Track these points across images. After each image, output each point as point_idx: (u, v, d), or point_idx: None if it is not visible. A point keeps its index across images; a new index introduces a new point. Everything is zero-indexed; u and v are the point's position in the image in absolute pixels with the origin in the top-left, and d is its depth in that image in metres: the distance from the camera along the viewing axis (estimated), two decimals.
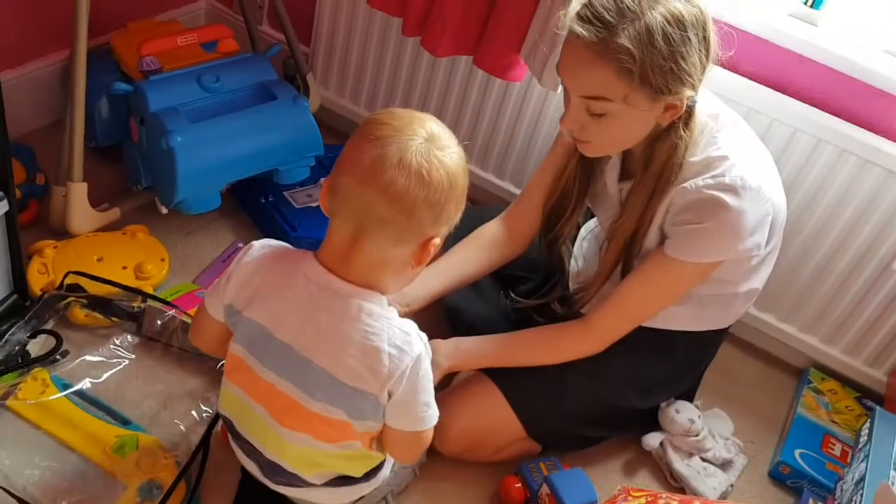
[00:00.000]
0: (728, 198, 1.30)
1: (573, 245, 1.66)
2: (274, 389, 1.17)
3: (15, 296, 1.56)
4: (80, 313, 1.58)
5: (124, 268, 1.68)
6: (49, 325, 1.56)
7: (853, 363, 1.82)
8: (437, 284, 1.52)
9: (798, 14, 1.65)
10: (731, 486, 1.63)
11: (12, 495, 1.28)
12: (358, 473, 1.27)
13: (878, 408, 1.65)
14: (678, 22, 1.20)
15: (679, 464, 1.60)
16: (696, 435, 1.60)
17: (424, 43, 1.84)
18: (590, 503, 1.44)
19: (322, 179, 1.28)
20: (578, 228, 1.66)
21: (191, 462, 1.36)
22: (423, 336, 1.17)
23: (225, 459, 1.38)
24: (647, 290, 1.42)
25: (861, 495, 1.43)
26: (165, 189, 1.72)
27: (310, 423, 1.17)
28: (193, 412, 1.48)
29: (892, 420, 1.61)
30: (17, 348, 1.49)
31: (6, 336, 1.48)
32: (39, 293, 1.59)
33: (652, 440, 1.61)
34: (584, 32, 1.21)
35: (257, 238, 1.22)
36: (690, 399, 1.67)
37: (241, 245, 1.82)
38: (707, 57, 1.26)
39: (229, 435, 1.31)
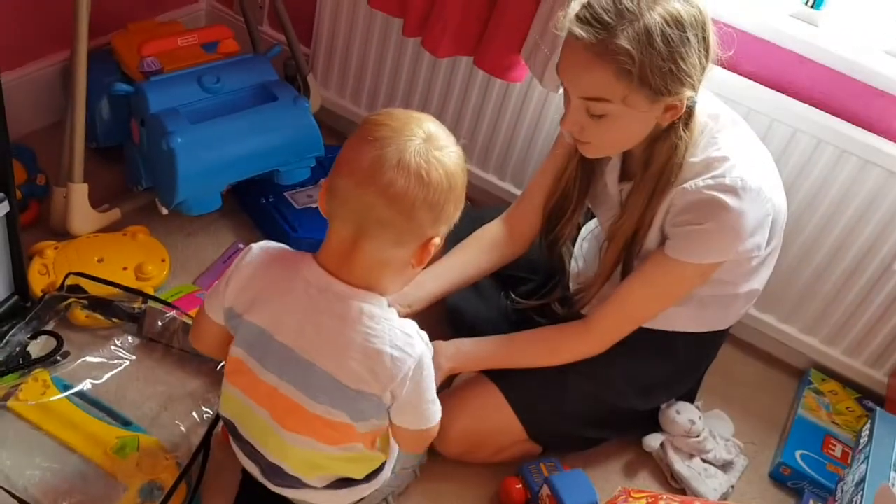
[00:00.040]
0: (728, 198, 1.30)
1: (573, 246, 1.66)
2: (276, 392, 1.17)
3: (16, 297, 1.56)
4: (80, 314, 1.59)
5: (125, 269, 1.68)
6: (50, 326, 1.56)
7: (854, 364, 1.82)
8: (438, 285, 1.52)
9: (799, 14, 1.65)
10: (732, 487, 1.63)
11: (13, 496, 1.28)
12: (359, 475, 1.27)
13: (878, 409, 1.65)
14: (677, 23, 1.20)
15: (680, 465, 1.60)
16: (697, 436, 1.60)
17: (425, 43, 1.84)
18: None
19: (323, 180, 1.29)
20: (579, 229, 1.66)
21: (191, 463, 1.36)
22: (424, 335, 1.17)
23: (226, 460, 1.38)
24: (648, 290, 1.42)
25: (861, 496, 1.43)
26: (166, 190, 1.72)
27: (312, 426, 1.17)
28: (194, 413, 1.48)
29: (892, 421, 1.61)
30: (17, 349, 1.49)
31: (7, 337, 1.49)
32: (40, 294, 1.59)
33: (652, 441, 1.61)
34: (584, 34, 1.21)
35: (258, 239, 1.22)
36: (691, 400, 1.66)
37: (241, 246, 1.82)
38: (706, 57, 1.26)
39: (230, 437, 1.31)
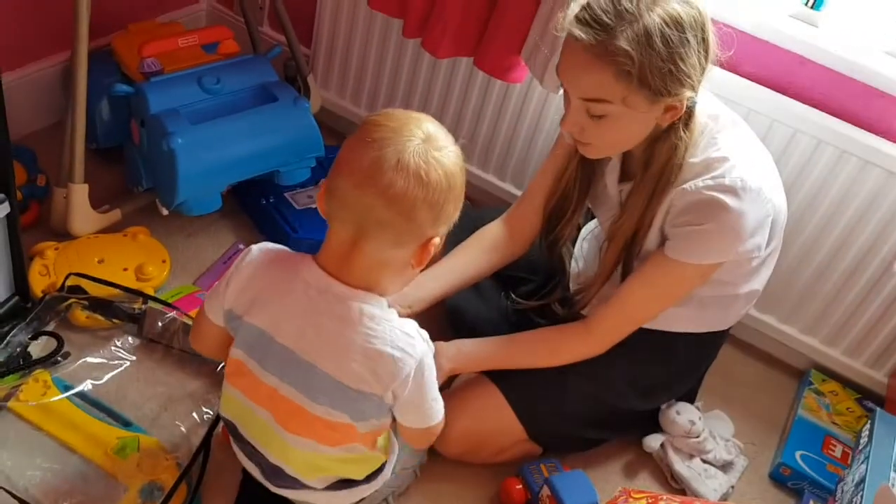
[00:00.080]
0: (728, 199, 1.30)
1: (573, 246, 1.66)
2: (276, 394, 1.17)
3: (16, 297, 1.56)
4: (81, 315, 1.59)
5: (125, 269, 1.68)
6: (50, 327, 1.56)
7: (854, 364, 1.82)
8: (439, 286, 1.52)
9: (799, 15, 1.65)
10: (732, 487, 1.63)
11: (14, 496, 1.28)
12: (360, 476, 1.27)
13: (878, 409, 1.65)
14: (676, 23, 1.20)
15: (680, 465, 1.60)
16: (697, 436, 1.60)
17: (425, 44, 1.84)
18: None
19: (323, 181, 1.29)
20: (579, 229, 1.66)
21: (192, 463, 1.36)
22: (424, 333, 1.17)
23: (226, 461, 1.38)
24: (648, 291, 1.42)
25: (861, 497, 1.43)
26: (166, 190, 1.73)
27: (313, 428, 1.17)
28: (194, 414, 1.48)
29: (892, 421, 1.61)
30: (18, 350, 1.49)
31: (7, 338, 1.49)
32: (41, 295, 1.59)
33: (653, 442, 1.61)
34: (583, 35, 1.21)
35: (258, 239, 1.22)
36: (691, 400, 1.67)
37: (241, 246, 1.82)
38: (706, 58, 1.26)
39: (231, 437, 1.31)
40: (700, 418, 1.62)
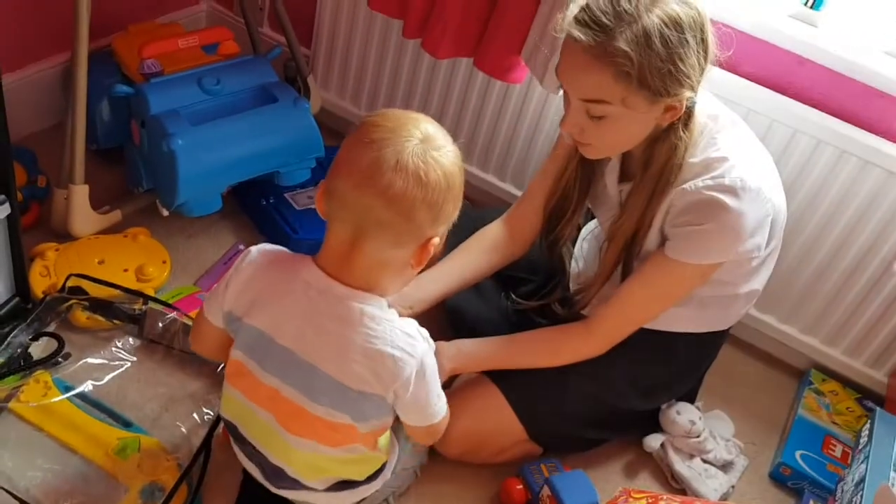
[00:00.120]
0: (728, 199, 1.30)
1: (573, 246, 1.66)
2: (278, 395, 1.17)
3: (17, 298, 1.57)
4: (81, 316, 1.59)
5: (125, 270, 1.68)
6: (51, 328, 1.56)
7: (854, 364, 1.82)
8: (440, 287, 1.52)
9: (798, 15, 1.65)
10: (732, 487, 1.63)
11: (15, 497, 1.28)
12: (361, 477, 1.28)
13: (878, 409, 1.65)
14: (675, 24, 1.20)
15: (680, 465, 1.60)
16: (697, 436, 1.61)
17: (425, 45, 1.84)
18: None
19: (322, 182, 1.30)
20: (579, 230, 1.66)
21: (192, 464, 1.36)
22: (424, 332, 1.18)
23: (227, 461, 1.38)
24: (648, 291, 1.42)
25: (861, 496, 1.43)
26: (166, 191, 1.73)
27: (314, 428, 1.18)
28: (195, 414, 1.48)
29: (892, 421, 1.61)
30: (19, 351, 1.49)
31: (8, 339, 1.49)
32: (41, 296, 1.59)
33: (653, 442, 1.61)
34: (582, 36, 1.21)
35: (259, 240, 1.22)
36: (691, 400, 1.67)
37: (242, 247, 1.82)
38: (705, 58, 1.26)
39: (231, 438, 1.31)
40: (700, 418, 1.62)
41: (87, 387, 1.48)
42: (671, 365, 1.57)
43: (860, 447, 1.61)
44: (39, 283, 1.61)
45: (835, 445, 1.71)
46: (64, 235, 1.73)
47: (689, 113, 1.30)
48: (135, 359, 1.56)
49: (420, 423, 1.23)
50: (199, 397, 1.53)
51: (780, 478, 1.68)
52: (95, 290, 1.60)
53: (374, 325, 1.12)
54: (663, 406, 1.62)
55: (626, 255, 1.44)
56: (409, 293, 1.45)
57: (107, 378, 1.51)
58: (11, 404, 1.42)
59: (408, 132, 1.07)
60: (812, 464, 1.67)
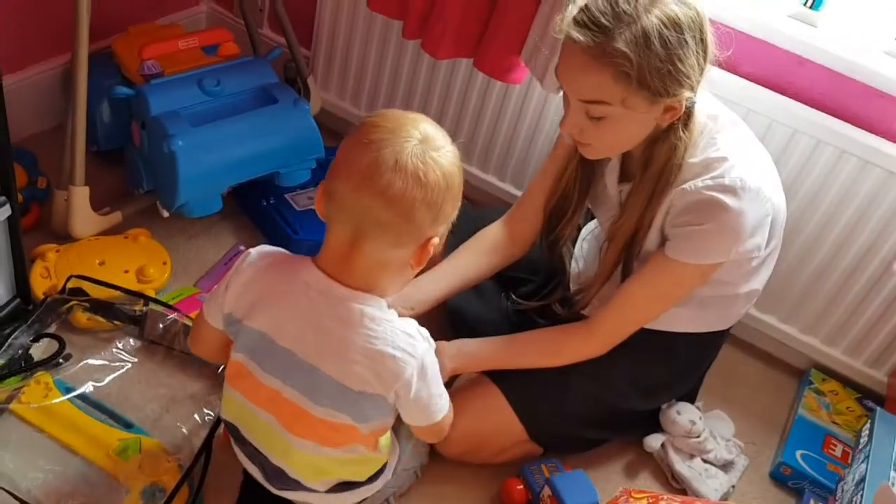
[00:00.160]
0: (728, 199, 1.30)
1: (574, 246, 1.66)
2: (279, 396, 1.17)
3: (18, 300, 1.57)
4: (82, 317, 1.59)
5: (126, 271, 1.68)
6: (52, 329, 1.56)
7: (854, 364, 1.82)
8: (441, 288, 1.52)
9: (797, 15, 1.65)
10: (733, 487, 1.63)
11: (16, 498, 1.29)
12: (362, 478, 1.28)
13: (878, 409, 1.65)
14: (674, 24, 1.20)
15: (680, 465, 1.60)
16: (698, 436, 1.61)
17: (425, 45, 1.84)
18: None
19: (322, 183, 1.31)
20: (579, 230, 1.66)
21: (193, 465, 1.36)
22: (424, 331, 1.18)
23: (227, 462, 1.38)
24: (649, 291, 1.42)
25: (861, 496, 1.43)
26: (167, 192, 1.73)
27: (315, 429, 1.18)
28: (196, 415, 1.48)
29: (892, 421, 1.61)
30: (20, 352, 1.49)
31: (9, 340, 1.49)
32: (42, 297, 1.59)
33: (653, 442, 1.61)
34: (581, 37, 1.21)
35: (259, 241, 1.22)
36: (692, 400, 1.67)
37: (242, 248, 1.82)
38: (704, 58, 1.26)
39: (232, 439, 1.31)
40: (700, 418, 1.62)
41: (87, 388, 1.48)
42: (671, 365, 1.57)
43: (860, 447, 1.62)
44: (40, 284, 1.62)
45: (835, 445, 1.71)
46: (64, 237, 1.73)
47: (688, 113, 1.30)
48: (135, 360, 1.56)
49: (422, 422, 1.23)
50: (199, 398, 1.53)
51: (781, 477, 1.68)
52: (96, 292, 1.60)
53: (375, 326, 1.12)
54: (664, 406, 1.62)
55: (626, 256, 1.44)
56: (410, 294, 1.45)
57: (108, 379, 1.51)
58: (12, 405, 1.42)
59: (407, 133, 1.07)
60: (812, 463, 1.67)
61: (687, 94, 1.26)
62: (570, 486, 1.43)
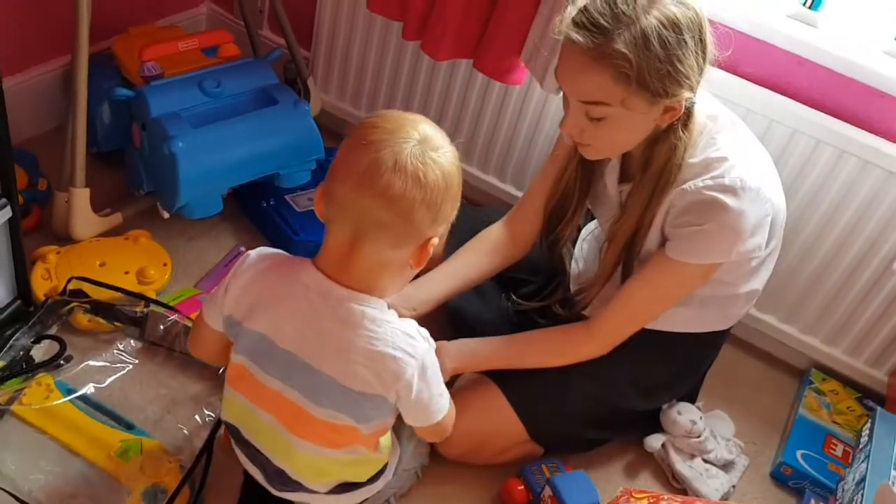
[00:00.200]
0: (728, 199, 1.30)
1: (574, 247, 1.67)
2: (280, 398, 1.17)
3: (18, 301, 1.57)
4: (83, 318, 1.59)
5: (127, 273, 1.69)
6: (53, 331, 1.56)
7: (854, 364, 1.83)
8: (441, 289, 1.52)
9: (797, 15, 1.65)
10: (733, 487, 1.63)
11: (18, 499, 1.29)
12: (363, 479, 1.28)
13: (878, 408, 1.65)
14: (674, 25, 1.20)
15: (681, 465, 1.60)
16: (698, 436, 1.61)
17: (424, 46, 1.84)
18: None
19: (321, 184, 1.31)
20: (579, 230, 1.67)
21: (195, 466, 1.36)
22: (424, 331, 1.18)
23: (228, 463, 1.39)
24: (649, 292, 1.42)
25: (862, 495, 1.44)
26: (167, 194, 1.73)
27: (317, 431, 1.18)
28: (197, 416, 1.48)
29: (892, 420, 1.61)
30: (21, 354, 1.49)
31: (10, 341, 1.49)
32: (43, 299, 1.59)
33: (654, 442, 1.61)
34: (581, 38, 1.21)
35: (259, 242, 1.22)
36: (692, 400, 1.67)
37: (242, 249, 1.83)
38: (704, 59, 1.26)
39: (233, 441, 1.31)
40: (701, 418, 1.62)
41: (88, 389, 1.48)
42: (672, 365, 1.57)
43: (861, 446, 1.62)
44: (41, 285, 1.62)
45: (835, 445, 1.71)
46: (65, 238, 1.73)
47: (688, 113, 1.30)
48: (136, 361, 1.56)
49: (423, 422, 1.23)
50: (200, 399, 1.53)
51: (781, 477, 1.68)
52: (96, 293, 1.60)
53: (375, 327, 1.12)
54: (664, 406, 1.63)
55: (626, 256, 1.44)
56: (411, 294, 1.45)
57: (108, 380, 1.51)
58: (14, 407, 1.43)
59: (406, 133, 1.08)
60: (813, 463, 1.67)
61: (686, 94, 1.26)
62: (570, 486, 1.43)
